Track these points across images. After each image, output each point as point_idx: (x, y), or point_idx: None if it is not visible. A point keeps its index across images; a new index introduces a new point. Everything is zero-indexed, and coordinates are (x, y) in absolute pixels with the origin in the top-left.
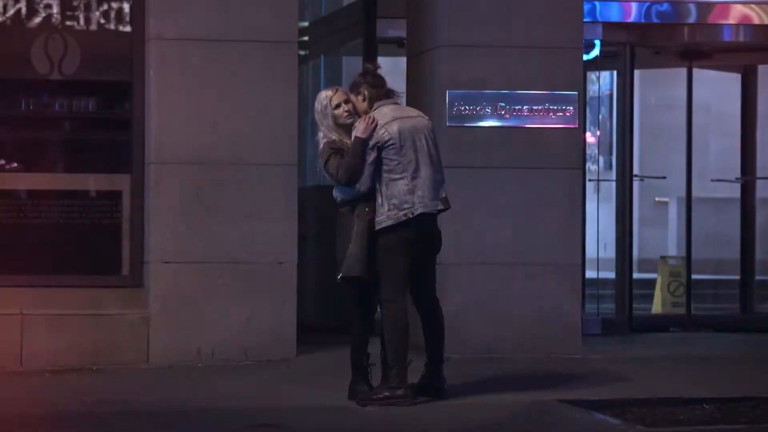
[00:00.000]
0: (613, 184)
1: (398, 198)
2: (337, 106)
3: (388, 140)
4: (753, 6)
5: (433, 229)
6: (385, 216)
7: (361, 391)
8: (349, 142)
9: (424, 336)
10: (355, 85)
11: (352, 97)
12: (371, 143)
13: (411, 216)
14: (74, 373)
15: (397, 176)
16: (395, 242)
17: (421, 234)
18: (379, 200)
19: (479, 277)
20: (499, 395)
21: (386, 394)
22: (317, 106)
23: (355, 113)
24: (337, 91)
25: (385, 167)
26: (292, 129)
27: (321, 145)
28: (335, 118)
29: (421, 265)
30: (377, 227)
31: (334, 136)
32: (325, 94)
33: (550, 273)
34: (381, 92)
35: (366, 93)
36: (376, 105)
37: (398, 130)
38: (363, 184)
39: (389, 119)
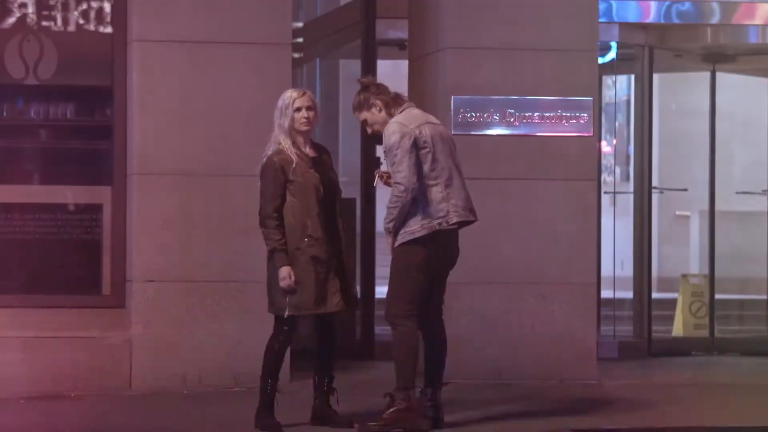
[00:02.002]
0: (631, 196)
1: (433, 206)
2: (298, 109)
3: (424, 142)
4: None
5: (456, 242)
6: (419, 226)
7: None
8: (297, 152)
9: (425, 358)
10: (362, 102)
11: (366, 114)
12: (410, 141)
13: (446, 225)
14: (51, 400)
15: (432, 182)
16: (419, 255)
17: (445, 247)
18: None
19: (487, 297)
20: (507, 423)
21: (399, 415)
22: (279, 102)
23: (370, 126)
24: (304, 94)
25: (421, 170)
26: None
27: (264, 159)
28: (293, 120)
29: (435, 280)
30: (408, 237)
31: (283, 142)
32: (290, 94)
33: (562, 293)
34: (391, 96)
35: (379, 102)
36: (401, 108)
37: (431, 134)
38: (410, 187)
39: (422, 121)
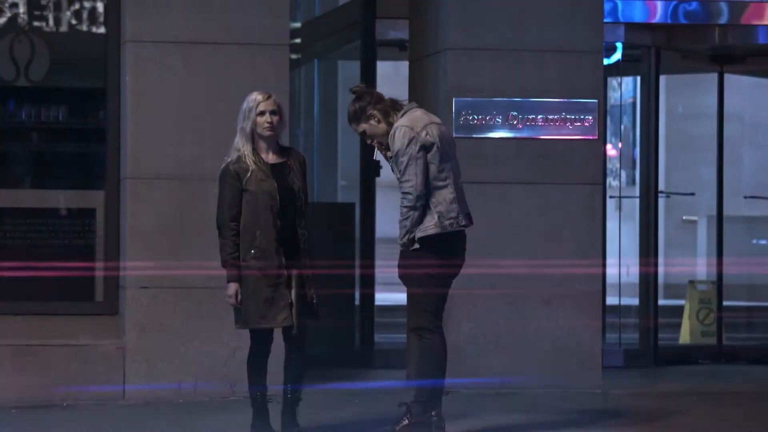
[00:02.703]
0: (637, 201)
1: (444, 206)
2: (262, 113)
3: (433, 143)
4: None
5: (463, 249)
6: (432, 224)
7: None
8: (256, 159)
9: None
10: (359, 113)
11: (364, 126)
12: (417, 146)
13: (456, 227)
14: (43, 410)
15: (441, 183)
16: (436, 262)
17: (452, 251)
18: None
19: (489, 305)
20: None
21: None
22: (243, 105)
23: (370, 137)
24: (269, 97)
25: (429, 174)
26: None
27: (222, 166)
28: (256, 124)
29: None
30: (420, 234)
31: (243, 148)
32: (254, 96)
33: (567, 299)
34: (388, 104)
35: (377, 113)
36: (402, 112)
37: (438, 134)
38: (419, 195)
39: (427, 122)
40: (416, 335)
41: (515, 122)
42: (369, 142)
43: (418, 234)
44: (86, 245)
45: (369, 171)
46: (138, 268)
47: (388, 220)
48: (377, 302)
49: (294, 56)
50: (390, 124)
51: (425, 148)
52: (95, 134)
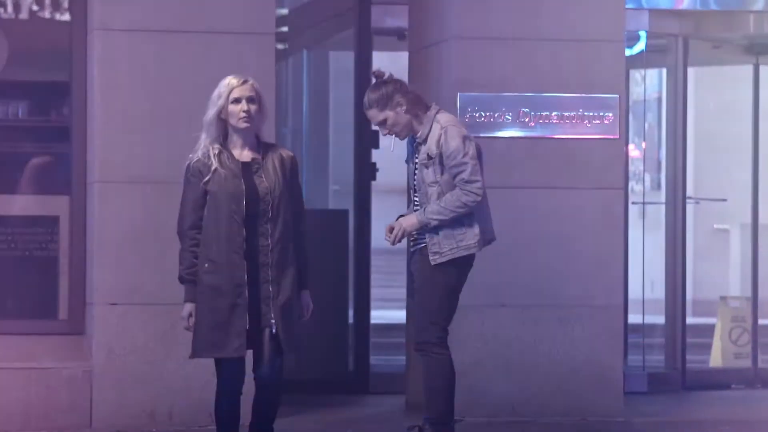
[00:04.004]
0: (662, 207)
1: (485, 222)
2: (237, 101)
3: (479, 150)
4: None
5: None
6: (474, 241)
7: None
8: (227, 154)
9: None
10: (386, 98)
11: (389, 113)
12: (473, 147)
13: (491, 242)
14: None
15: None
16: (463, 276)
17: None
18: (446, 228)
19: (499, 322)
20: None
21: None
22: (214, 91)
23: (390, 127)
24: (245, 82)
25: None
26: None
27: (186, 164)
28: (228, 113)
29: None
30: (462, 253)
31: (209, 145)
32: (228, 81)
33: (585, 317)
34: (415, 94)
35: (405, 101)
36: (435, 109)
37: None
38: (480, 197)
39: (463, 126)
40: (422, 352)
41: (527, 120)
42: (386, 132)
43: (461, 252)
44: (48, 257)
45: (364, 174)
46: (106, 283)
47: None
48: (373, 321)
49: (280, 46)
50: (416, 117)
51: (478, 152)
52: (59, 133)
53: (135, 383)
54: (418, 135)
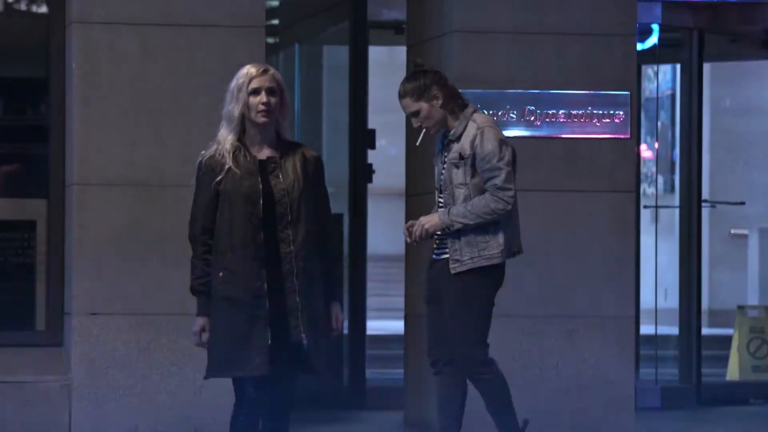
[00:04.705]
0: (676, 211)
1: (508, 233)
2: (255, 92)
3: (515, 155)
4: None
5: None
6: (498, 251)
7: None
8: (244, 152)
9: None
10: (422, 89)
11: (424, 105)
12: (510, 154)
13: (517, 254)
14: None
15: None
16: (492, 286)
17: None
18: (469, 234)
19: (502, 334)
20: None
21: None
22: (232, 83)
23: (422, 120)
24: (265, 72)
25: None
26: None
27: (197, 162)
28: (247, 107)
29: None
30: (483, 263)
31: (225, 140)
32: (246, 70)
33: (593, 328)
34: (453, 89)
35: (442, 94)
36: (471, 109)
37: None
38: (510, 205)
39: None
40: (472, 373)
41: (533, 118)
42: (418, 125)
43: (482, 262)
44: (24, 264)
45: (360, 176)
46: (86, 291)
47: (382, 234)
48: (369, 332)
49: (271, 40)
50: (451, 112)
51: (514, 157)
52: (35, 132)
53: (116, 397)
54: (452, 132)
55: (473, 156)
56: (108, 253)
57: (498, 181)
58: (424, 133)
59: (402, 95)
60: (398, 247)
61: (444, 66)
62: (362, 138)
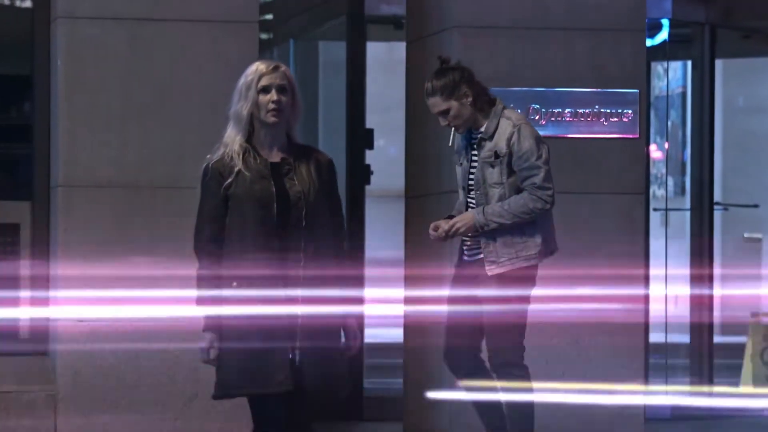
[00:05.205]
0: (687, 214)
1: (544, 233)
2: (265, 89)
3: (549, 153)
4: None
5: None
6: (535, 252)
7: None
8: (253, 154)
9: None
10: (451, 87)
11: (453, 103)
12: (545, 155)
13: (554, 252)
14: None
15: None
16: (530, 289)
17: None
18: (509, 233)
19: None
20: None
21: None
22: (240, 80)
23: (452, 119)
24: (275, 68)
25: None
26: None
27: (203, 165)
28: (257, 106)
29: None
30: (522, 263)
31: (236, 139)
32: (255, 67)
33: (601, 336)
34: (482, 86)
35: (471, 92)
36: (500, 106)
37: None
38: (550, 205)
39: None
40: (506, 374)
41: (537, 117)
42: (446, 124)
43: (520, 263)
44: (7, 269)
45: (357, 177)
46: (72, 297)
47: (380, 237)
48: (367, 340)
49: (264, 36)
50: (480, 110)
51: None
52: (19, 132)
53: (104, 409)
54: (482, 130)
55: (509, 155)
56: (95, 258)
57: (537, 180)
58: (454, 132)
59: (430, 93)
60: (397, 252)
61: None
62: (360, 138)
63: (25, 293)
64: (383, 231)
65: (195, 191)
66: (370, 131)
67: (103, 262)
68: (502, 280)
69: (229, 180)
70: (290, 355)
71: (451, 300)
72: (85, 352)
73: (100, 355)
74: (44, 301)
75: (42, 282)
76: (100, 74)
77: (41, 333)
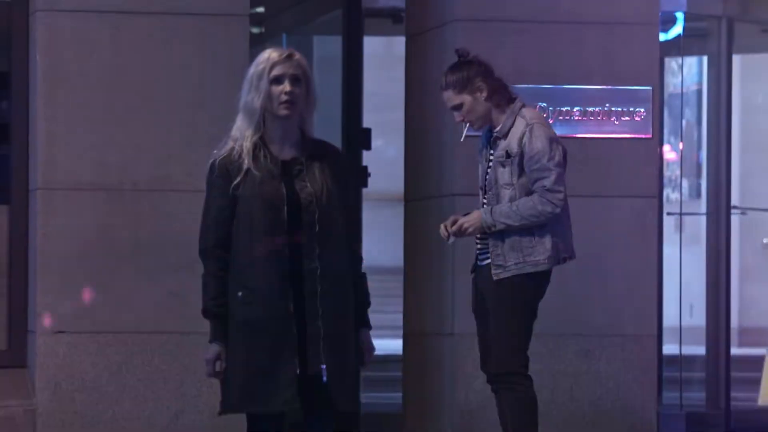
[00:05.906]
0: (703, 218)
1: (556, 237)
2: (278, 80)
3: (566, 155)
4: None
5: None
6: (544, 257)
7: None
8: (256, 152)
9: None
10: (465, 80)
11: (467, 97)
12: (561, 152)
13: (569, 259)
14: None
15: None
16: (537, 291)
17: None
18: (520, 237)
19: None
20: None
21: None
22: (250, 70)
23: (466, 114)
24: (290, 57)
25: None
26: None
27: (209, 163)
28: (269, 97)
29: None
30: (528, 270)
31: (244, 133)
32: (267, 55)
33: (612, 347)
34: (500, 81)
35: (487, 87)
36: (519, 104)
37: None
38: (559, 209)
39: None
40: (504, 383)
41: (545, 116)
42: (460, 119)
43: (527, 269)
44: None
45: (354, 180)
46: (51, 307)
47: (378, 242)
48: None
49: (256, 30)
50: (497, 106)
51: (564, 157)
52: None
53: (85, 424)
54: (498, 128)
55: (521, 155)
56: (75, 265)
57: (547, 182)
58: (468, 127)
59: (444, 87)
60: (396, 259)
61: (446, 58)
62: (356, 138)
63: (2, 303)
64: (381, 237)
65: (182, 194)
66: (368, 131)
67: (83, 270)
68: (506, 285)
69: (238, 179)
70: (314, 372)
71: (474, 311)
72: (65, 365)
73: (80, 368)
74: (22, 311)
75: (20, 290)
76: (81, 70)
77: (19, 345)
